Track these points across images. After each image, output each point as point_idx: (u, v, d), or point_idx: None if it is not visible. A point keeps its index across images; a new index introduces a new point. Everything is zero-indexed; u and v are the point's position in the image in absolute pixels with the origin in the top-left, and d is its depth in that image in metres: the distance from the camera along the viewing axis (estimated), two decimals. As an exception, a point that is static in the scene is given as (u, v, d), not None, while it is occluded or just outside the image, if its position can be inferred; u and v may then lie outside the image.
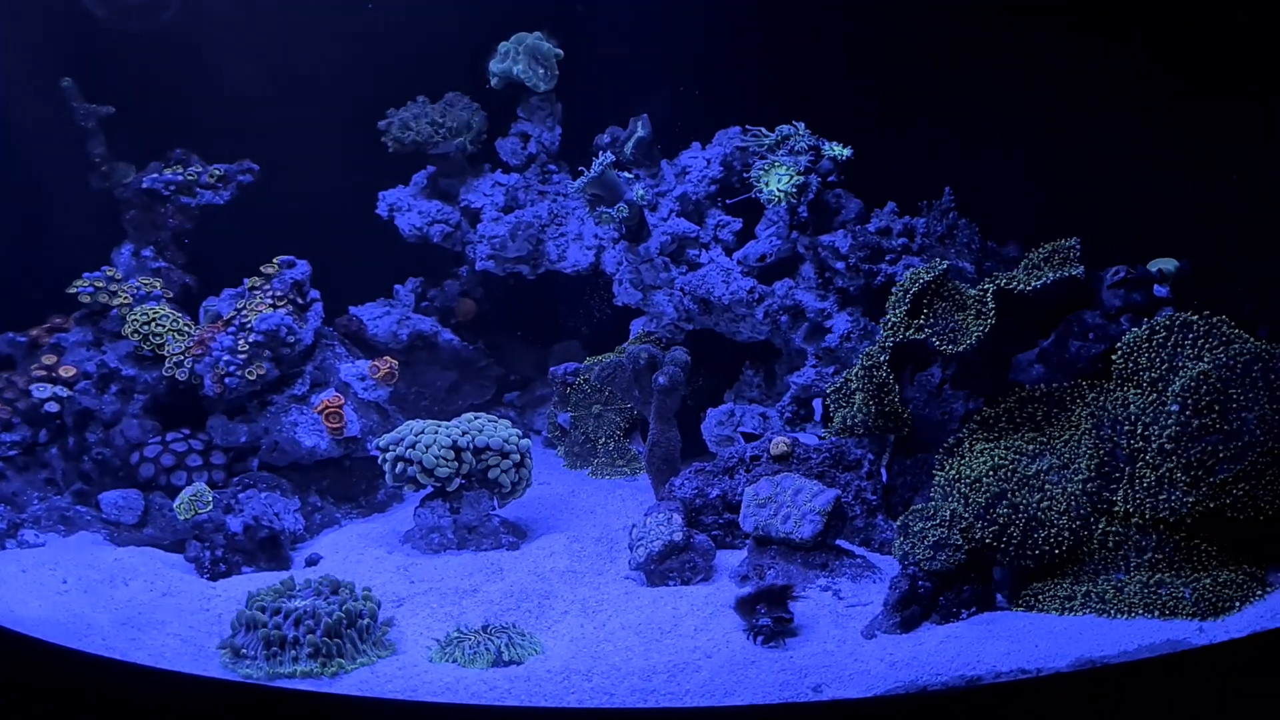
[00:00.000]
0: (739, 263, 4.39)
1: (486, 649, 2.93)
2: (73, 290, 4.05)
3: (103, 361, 3.98)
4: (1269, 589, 2.81)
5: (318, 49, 4.66)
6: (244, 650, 2.97)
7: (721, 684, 2.73)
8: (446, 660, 2.94)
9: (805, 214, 4.26)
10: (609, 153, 4.19)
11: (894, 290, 3.39)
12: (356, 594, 3.10)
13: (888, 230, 4.03)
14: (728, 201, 4.68)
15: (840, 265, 4.17)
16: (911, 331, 3.33)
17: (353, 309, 4.76)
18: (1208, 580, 2.80)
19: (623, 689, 2.71)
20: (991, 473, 3.03)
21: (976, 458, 3.13)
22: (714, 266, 4.34)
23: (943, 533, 2.93)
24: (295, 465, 3.98)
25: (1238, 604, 2.76)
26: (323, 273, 4.23)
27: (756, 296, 4.24)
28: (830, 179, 4.19)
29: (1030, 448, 3.17)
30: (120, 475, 3.93)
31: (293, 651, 2.94)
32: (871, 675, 2.70)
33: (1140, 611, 2.79)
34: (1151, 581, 2.83)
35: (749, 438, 3.64)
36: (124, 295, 4.04)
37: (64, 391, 3.92)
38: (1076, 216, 3.94)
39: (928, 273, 3.33)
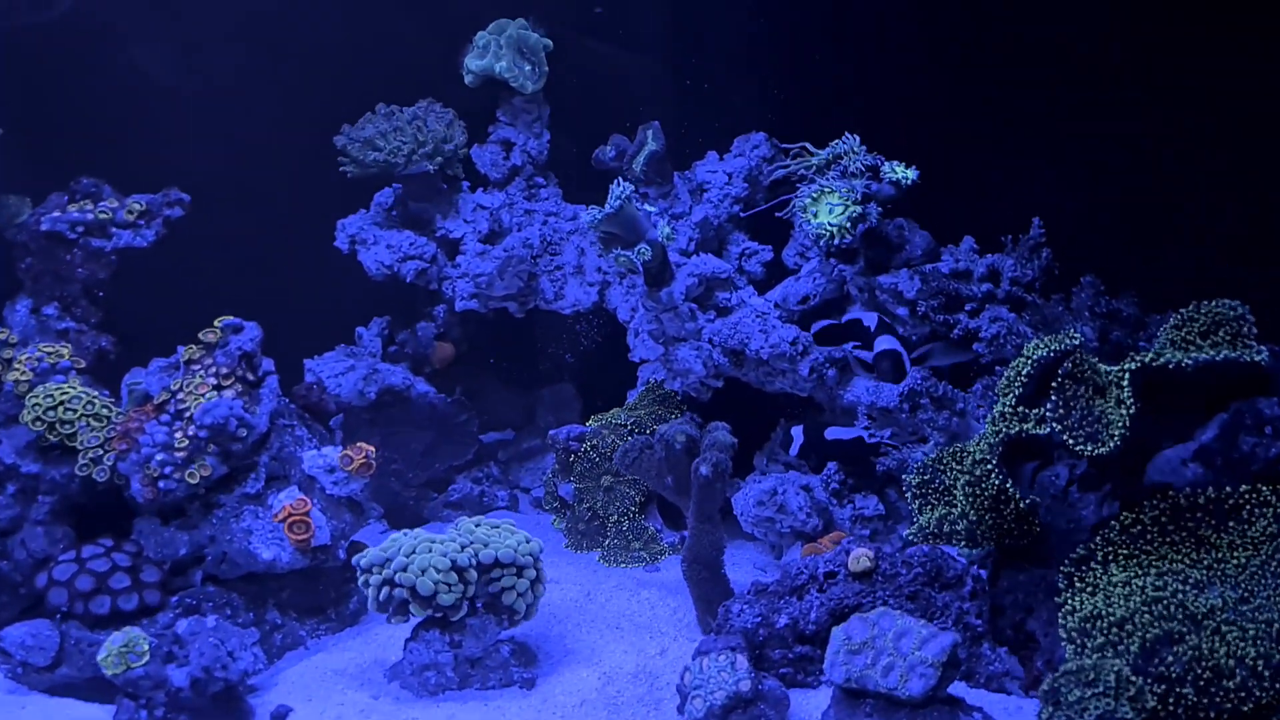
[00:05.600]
0: (776, 305, 3.68)
1: None
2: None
3: (-3, 456, 3.17)
4: None
5: (252, 43, 3.82)
6: None
7: None
8: None
9: (847, 243, 3.54)
10: (627, 182, 3.42)
11: (1007, 371, 2.71)
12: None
13: (967, 273, 3.35)
14: (742, 215, 3.99)
15: (903, 311, 3.49)
16: (1031, 425, 2.66)
17: (308, 362, 3.96)
18: None
19: None
20: (1147, 609, 2.39)
21: (1122, 588, 2.49)
22: (748, 311, 3.62)
23: (1108, 704, 2.28)
24: (250, 576, 3.22)
25: None
26: (270, 318, 3.37)
27: (800, 349, 3.53)
28: (888, 207, 3.49)
29: (1194, 573, 2.54)
30: (21, 592, 3.14)
31: None
32: None
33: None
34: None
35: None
36: (21, 369, 3.22)
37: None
38: (1192, 262, 3.32)
39: (1050, 346, 2.66)
